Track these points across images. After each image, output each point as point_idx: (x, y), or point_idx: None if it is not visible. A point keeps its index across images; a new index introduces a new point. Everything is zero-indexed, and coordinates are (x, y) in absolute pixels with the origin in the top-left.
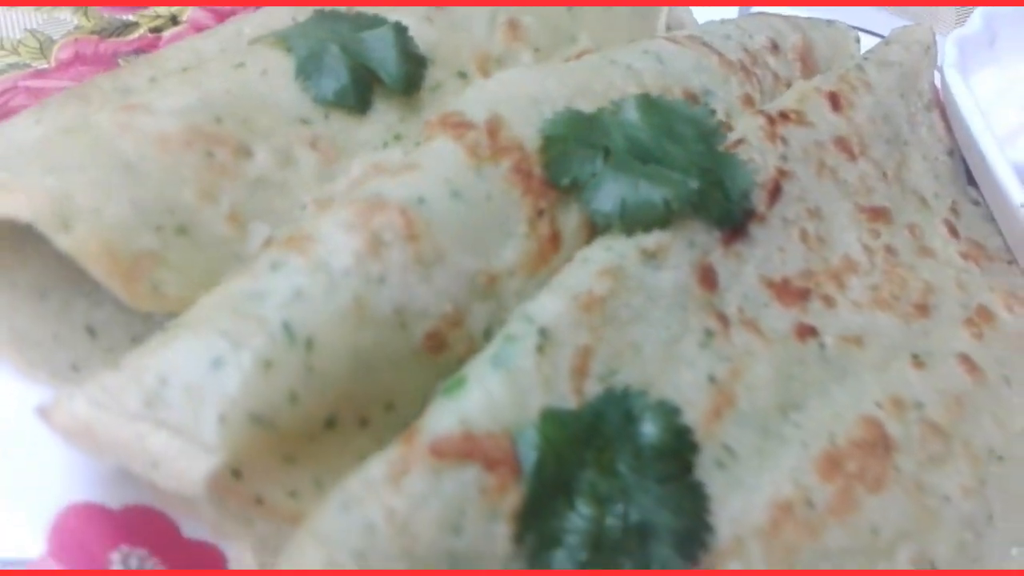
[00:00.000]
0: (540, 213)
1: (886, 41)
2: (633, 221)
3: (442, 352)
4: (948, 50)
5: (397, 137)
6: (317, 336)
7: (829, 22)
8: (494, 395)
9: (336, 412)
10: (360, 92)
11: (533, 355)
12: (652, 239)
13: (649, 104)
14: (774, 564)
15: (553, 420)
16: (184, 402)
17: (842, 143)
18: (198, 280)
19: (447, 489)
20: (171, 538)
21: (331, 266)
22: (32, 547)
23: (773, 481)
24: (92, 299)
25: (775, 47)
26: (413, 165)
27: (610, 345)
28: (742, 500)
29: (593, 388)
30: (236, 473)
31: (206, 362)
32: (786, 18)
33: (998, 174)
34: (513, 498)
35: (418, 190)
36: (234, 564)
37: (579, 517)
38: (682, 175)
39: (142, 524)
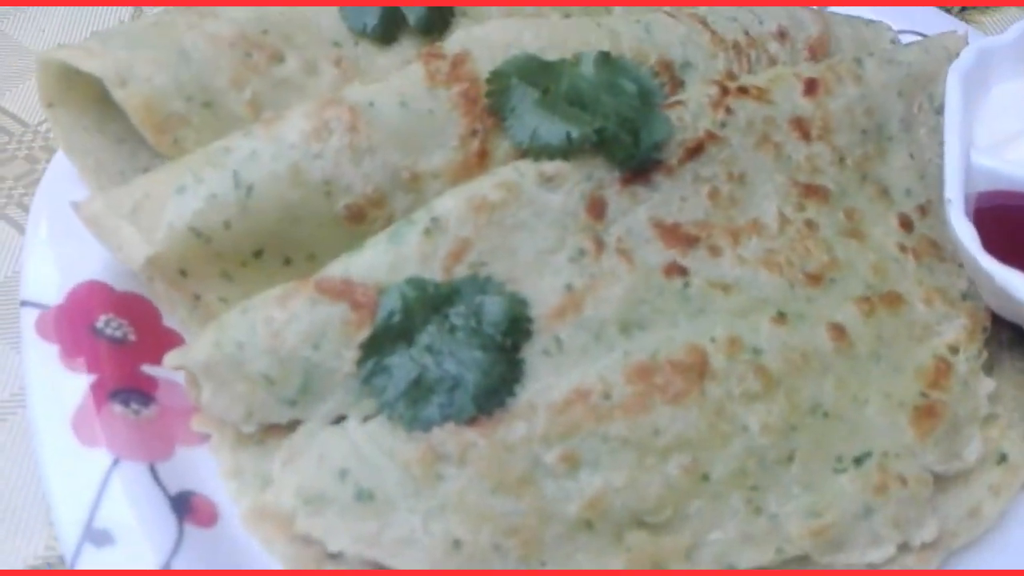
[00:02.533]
0: (474, 133)
1: (910, 43)
2: (540, 149)
3: (361, 224)
4: (963, 56)
5: None
6: (256, 185)
7: (869, 22)
8: (377, 258)
9: (263, 247)
10: (387, 27)
11: (420, 236)
12: (552, 166)
13: (604, 60)
14: (553, 433)
15: (414, 284)
16: (152, 211)
17: (799, 123)
18: (210, 142)
19: (317, 314)
20: (151, 321)
21: (283, 139)
22: (55, 298)
23: (583, 373)
24: (152, 152)
25: (783, 35)
26: (381, 79)
27: (488, 242)
28: (551, 381)
29: (462, 272)
30: (183, 272)
31: (174, 188)
32: (817, 12)
33: (945, 169)
34: (365, 333)
35: (372, 96)
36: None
37: (410, 359)
38: (600, 119)
39: (133, 305)
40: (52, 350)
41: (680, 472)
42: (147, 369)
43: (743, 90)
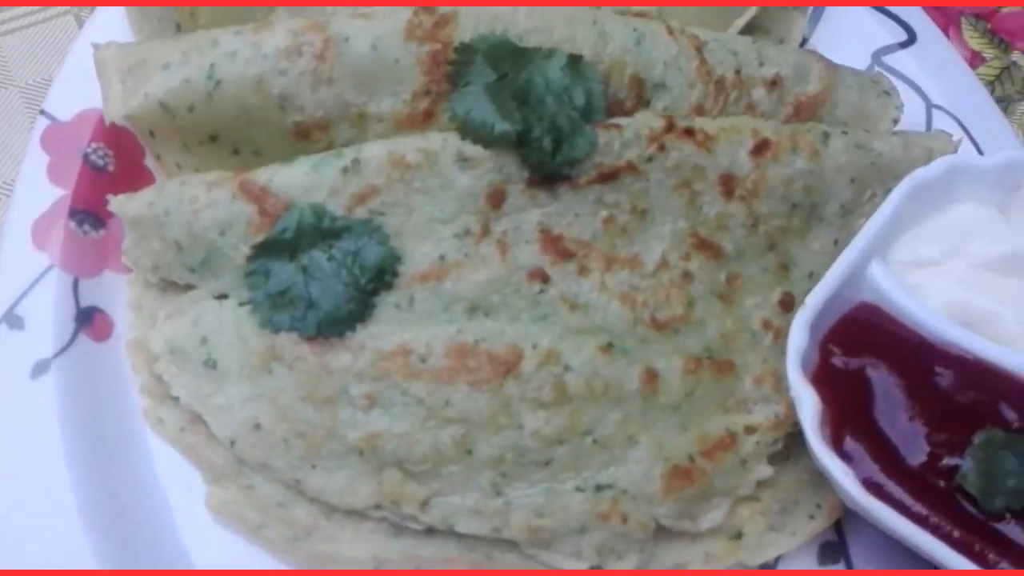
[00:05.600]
0: (427, 92)
1: (895, 131)
2: (466, 130)
3: (305, 140)
4: (931, 166)
5: None
6: (224, 81)
7: (884, 93)
8: (298, 178)
9: (218, 134)
10: None
11: (339, 171)
12: (473, 149)
13: (574, 63)
14: (367, 374)
15: (314, 211)
16: (140, 77)
17: (727, 180)
18: (220, 22)
19: (232, 208)
20: (134, 157)
21: (261, 48)
22: (66, 115)
23: (416, 335)
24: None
25: (775, 84)
26: (370, 15)
27: (393, 195)
28: (388, 331)
29: (362, 213)
30: (152, 133)
31: (162, 63)
32: (832, 68)
33: (828, 272)
34: (261, 237)
35: (351, 32)
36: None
37: (285, 271)
38: (532, 121)
39: (124, 140)
40: (44, 160)
41: (450, 441)
42: (111, 199)
43: (688, 132)
